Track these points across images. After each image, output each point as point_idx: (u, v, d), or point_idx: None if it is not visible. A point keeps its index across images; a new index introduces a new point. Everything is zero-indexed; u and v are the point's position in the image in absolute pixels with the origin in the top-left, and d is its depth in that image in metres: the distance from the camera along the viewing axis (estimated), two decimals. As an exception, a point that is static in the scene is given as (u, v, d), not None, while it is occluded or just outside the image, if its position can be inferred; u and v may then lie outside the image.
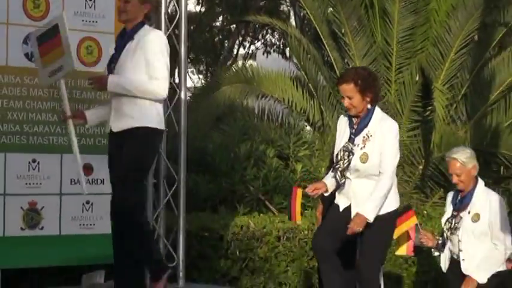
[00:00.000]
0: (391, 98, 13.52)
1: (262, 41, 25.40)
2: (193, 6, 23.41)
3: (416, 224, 8.01)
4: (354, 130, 7.09)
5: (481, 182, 7.73)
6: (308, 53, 14.38)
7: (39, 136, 8.15)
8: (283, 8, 24.50)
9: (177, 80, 8.85)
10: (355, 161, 6.95)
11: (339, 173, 7.08)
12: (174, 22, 8.75)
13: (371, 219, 6.87)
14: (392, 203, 7.20)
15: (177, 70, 9.14)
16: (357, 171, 6.99)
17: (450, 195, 8.00)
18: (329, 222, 7.34)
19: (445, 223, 7.81)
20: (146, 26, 7.06)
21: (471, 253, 7.59)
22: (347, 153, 7.01)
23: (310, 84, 14.09)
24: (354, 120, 7.10)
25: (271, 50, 25.12)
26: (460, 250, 7.62)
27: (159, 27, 8.68)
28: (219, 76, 17.36)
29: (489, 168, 12.04)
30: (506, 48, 14.44)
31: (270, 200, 11.65)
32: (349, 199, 7.10)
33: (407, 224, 7.88)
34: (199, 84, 24.37)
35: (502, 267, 7.61)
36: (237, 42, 26.16)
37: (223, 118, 13.91)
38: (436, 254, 7.93)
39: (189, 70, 24.76)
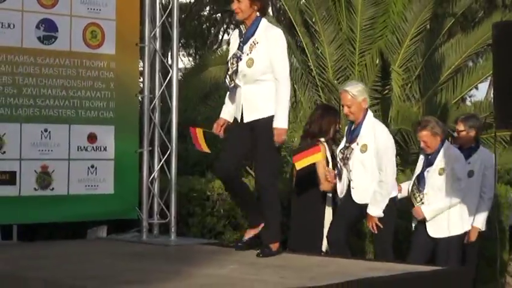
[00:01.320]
0: (355, 79, 13.52)
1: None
2: (183, -2, 23.34)
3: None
4: (242, 39, 6.92)
5: (369, 114, 7.63)
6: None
7: (50, 109, 8.12)
8: (262, -1, 24.41)
9: (170, 62, 8.80)
10: (242, 66, 6.76)
11: (228, 77, 6.92)
12: (167, 11, 8.70)
13: (283, 125, 6.75)
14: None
15: (170, 53, 9.09)
16: (244, 76, 6.79)
17: (346, 127, 7.87)
18: (231, 143, 7.21)
19: (339, 153, 7.70)
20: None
21: (361, 183, 7.51)
22: (235, 59, 6.83)
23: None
24: (243, 30, 6.92)
25: (251, 36, 25.06)
26: (351, 180, 7.53)
27: (154, 16, 8.66)
28: (206, 58, 17.35)
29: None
30: (454, 36, 14.54)
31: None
32: (239, 107, 6.89)
33: (313, 158, 7.72)
34: (189, 65, 24.33)
35: (394, 193, 7.60)
36: (222, 29, 26.09)
37: (209, 94, 13.91)
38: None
39: (181, 53, 24.65)
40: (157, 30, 8.68)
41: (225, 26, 25.89)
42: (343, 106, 7.63)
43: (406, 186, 8.17)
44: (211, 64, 15.06)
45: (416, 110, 13.48)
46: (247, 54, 6.81)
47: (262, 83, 6.82)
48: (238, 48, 6.93)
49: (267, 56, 6.78)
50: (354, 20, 13.59)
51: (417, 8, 13.43)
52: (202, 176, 10.60)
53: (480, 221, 8.07)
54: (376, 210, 7.46)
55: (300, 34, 14.00)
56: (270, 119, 6.79)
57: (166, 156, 8.59)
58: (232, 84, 6.95)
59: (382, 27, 13.71)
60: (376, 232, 7.50)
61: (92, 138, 8.43)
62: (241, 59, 6.83)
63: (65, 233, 8.39)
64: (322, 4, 13.55)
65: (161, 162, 8.61)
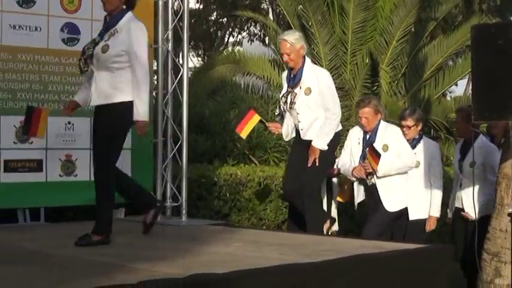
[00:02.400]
0: (347, 76, 13.55)
1: (247, 31, 25.31)
2: (193, 4, 23.32)
3: (261, 120, 7.89)
4: (103, 28, 6.55)
5: (308, 60, 7.42)
6: (283, 40, 14.34)
7: (73, 103, 8.12)
8: (264, 5, 24.36)
9: (181, 61, 8.81)
10: (97, 50, 6.32)
11: (83, 60, 6.39)
12: (179, 16, 8.70)
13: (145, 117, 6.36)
14: None
15: (181, 53, 9.10)
16: (98, 60, 6.32)
17: (284, 74, 7.72)
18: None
19: (281, 98, 7.51)
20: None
21: (308, 123, 7.35)
22: (93, 44, 6.41)
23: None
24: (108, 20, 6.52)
25: (254, 39, 25.03)
26: (298, 121, 7.37)
27: (167, 21, 8.66)
28: (213, 58, 17.33)
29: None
30: (436, 38, 14.54)
31: (253, 154, 11.64)
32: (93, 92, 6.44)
33: (253, 122, 7.73)
34: (198, 65, 24.33)
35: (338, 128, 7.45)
36: (228, 32, 26.07)
37: (216, 91, 13.88)
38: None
39: (190, 54, 24.68)
40: (170, 33, 8.69)
41: (230, 30, 25.87)
42: (282, 55, 7.44)
43: None
44: (218, 63, 15.05)
45: (402, 105, 13.46)
46: (105, 41, 6.36)
47: (114, 70, 6.33)
48: (98, 35, 6.55)
49: (125, 46, 6.30)
50: (346, 23, 13.58)
51: (403, 13, 13.42)
52: (210, 164, 10.59)
53: (435, 209, 7.96)
54: (320, 143, 7.33)
55: (297, 36, 13.98)
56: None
57: (178, 146, 8.59)
58: (86, 69, 6.44)
59: (372, 30, 13.71)
60: (310, 165, 7.37)
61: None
62: (97, 44, 6.40)
63: (87, 214, 8.39)
64: (317, 9, 13.53)
65: (173, 152, 8.61)
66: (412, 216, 7.81)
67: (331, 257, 5.55)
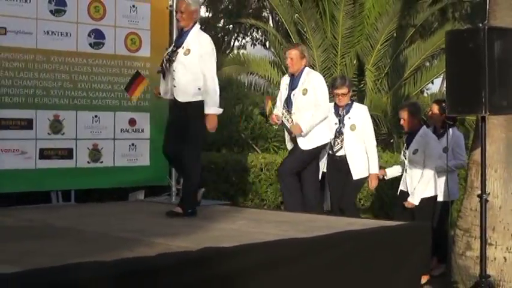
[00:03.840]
0: (337, 75, 13.51)
1: (250, 36, 25.24)
2: (203, 13, 23.29)
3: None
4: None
5: (197, 26, 6.67)
6: (281, 44, 14.38)
7: (99, 99, 8.11)
8: (264, 14, 24.29)
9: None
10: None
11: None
12: (191, 23, 8.66)
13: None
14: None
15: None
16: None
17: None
18: None
19: (165, 56, 6.70)
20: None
21: (181, 82, 6.56)
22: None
23: (282, 66, 14.06)
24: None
25: (256, 43, 24.97)
26: (173, 79, 6.62)
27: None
28: (221, 60, 17.32)
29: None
30: (414, 42, 14.51)
31: (256, 144, 11.66)
32: None
33: (143, 85, 7.51)
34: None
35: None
36: (233, 37, 26.01)
37: (223, 89, 13.83)
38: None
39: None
40: (183, 37, 8.64)
41: (235, 35, 25.83)
42: (176, 12, 6.78)
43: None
44: (225, 65, 15.06)
45: (385, 100, 13.47)
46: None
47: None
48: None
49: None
50: (337, 29, 13.59)
51: (386, 20, 13.42)
52: (218, 152, 10.60)
53: (374, 167, 7.65)
54: (210, 109, 6.58)
55: (294, 40, 13.97)
56: None
57: (191, 136, 8.57)
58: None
59: (359, 35, 13.71)
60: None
61: (132, 122, 8.42)
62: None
63: (112, 196, 8.40)
64: (311, 17, 13.53)
65: (187, 141, 8.58)
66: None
67: (323, 233, 5.55)
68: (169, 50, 6.77)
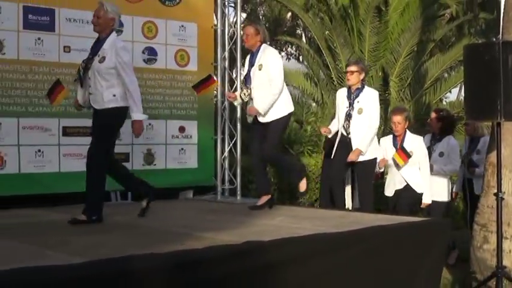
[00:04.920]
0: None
1: (285, 51, 25.23)
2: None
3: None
4: None
5: (114, 34, 6.02)
6: (313, 58, 14.30)
7: (152, 109, 8.13)
8: (298, 31, 24.27)
9: (234, 75, 8.81)
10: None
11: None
12: (233, 40, 8.70)
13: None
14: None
15: (234, 69, 9.10)
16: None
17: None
18: None
19: (81, 64, 6.02)
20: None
21: (98, 90, 5.91)
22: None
23: (315, 78, 14.04)
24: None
25: (291, 57, 24.97)
26: (89, 86, 5.92)
27: (224, 44, 8.66)
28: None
29: (424, 128, 12.02)
30: (434, 55, 14.35)
31: (291, 148, 11.63)
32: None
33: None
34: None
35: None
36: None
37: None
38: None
39: (242, 69, 24.71)
40: (226, 54, 8.70)
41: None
42: (94, 16, 6.00)
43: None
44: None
45: (408, 108, 13.34)
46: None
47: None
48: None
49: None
50: (363, 44, 13.48)
51: (408, 36, 13.28)
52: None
53: (362, 145, 7.18)
54: (135, 115, 6.05)
55: (325, 55, 13.91)
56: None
57: (233, 141, 8.61)
58: None
59: (383, 49, 13.58)
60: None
61: (181, 129, 8.47)
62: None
63: (164, 195, 8.45)
64: (340, 34, 13.44)
65: (230, 146, 8.63)
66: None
67: (353, 228, 5.53)
68: (86, 58, 6.06)
